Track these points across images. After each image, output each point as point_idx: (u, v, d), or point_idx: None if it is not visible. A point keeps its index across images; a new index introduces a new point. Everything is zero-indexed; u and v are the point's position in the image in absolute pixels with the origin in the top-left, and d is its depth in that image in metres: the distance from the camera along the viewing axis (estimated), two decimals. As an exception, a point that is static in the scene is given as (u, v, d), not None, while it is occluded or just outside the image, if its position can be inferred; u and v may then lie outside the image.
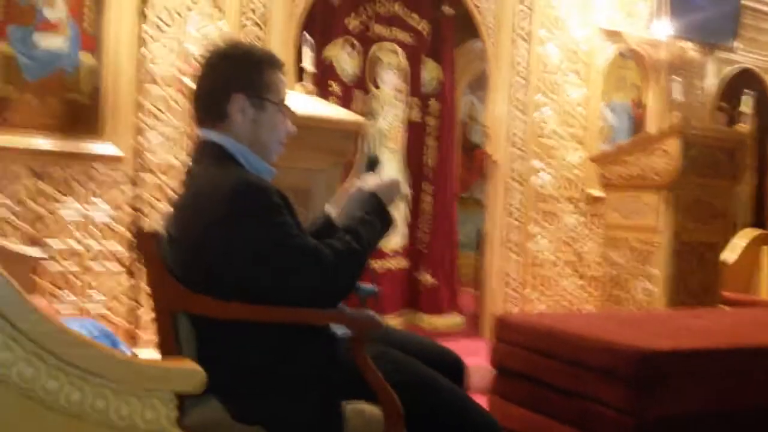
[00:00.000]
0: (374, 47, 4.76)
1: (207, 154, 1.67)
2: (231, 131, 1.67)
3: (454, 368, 1.92)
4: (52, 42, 3.59)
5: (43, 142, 3.55)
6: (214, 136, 1.67)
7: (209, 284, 1.56)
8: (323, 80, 4.50)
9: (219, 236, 1.53)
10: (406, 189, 1.85)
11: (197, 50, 3.79)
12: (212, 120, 1.68)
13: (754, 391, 2.07)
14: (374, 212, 1.70)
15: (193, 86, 1.74)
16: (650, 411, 1.87)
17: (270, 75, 1.71)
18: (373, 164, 1.93)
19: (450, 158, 5.18)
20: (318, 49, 4.42)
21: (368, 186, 1.78)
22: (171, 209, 1.73)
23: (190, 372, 1.20)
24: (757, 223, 6.77)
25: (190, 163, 1.74)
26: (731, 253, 4.76)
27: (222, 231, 1.53)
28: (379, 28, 4.78)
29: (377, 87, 4.77)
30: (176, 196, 1.77)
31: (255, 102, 1.67)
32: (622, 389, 1.88)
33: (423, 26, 4.99)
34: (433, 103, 5.12)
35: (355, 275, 1.62)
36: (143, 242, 1.61)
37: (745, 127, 4.17)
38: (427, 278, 5.04)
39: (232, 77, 1.67)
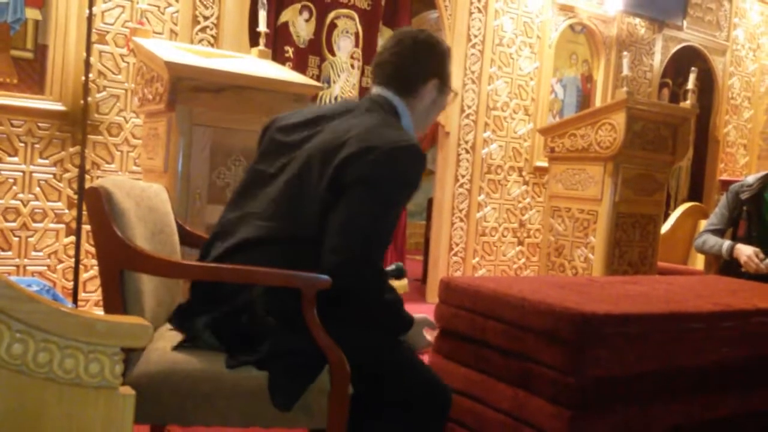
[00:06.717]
0: (331, 13, 4.71)
1: (381, 108, 1.77)
2: (410, 103, 1.82)
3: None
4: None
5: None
6: (395, 100, 1.80)
7: (305, 219, 1.59)
8: (278, 45, 4.44)
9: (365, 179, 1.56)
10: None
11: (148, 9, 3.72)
12: (399, 89, 1.81)
13: (686, 353, 2.16)
14: (398, 324, 1.71)
15: (378, 53, 1.88)
16: (589, 371, 1.93)
17: (450, 65, 1.92)
18: (399, 275, 1.97)
19: (402, 127, 5.18)
20: (274, 14, 4.36)
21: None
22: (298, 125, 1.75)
23: (138, 327, 1.20)
24: (694, 197, 7.04)
25: (353, 104, 1.81)
26: (666, 224, 4.93)
27: (374, 176, 1.57)
28: (335, -6, 4.72)
29: (333, 53, 4.73)
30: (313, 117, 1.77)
31: (442, 89, 1.87)
32: (563, 350, 1.94)
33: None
34: (388, 72, 5.10)
35: (362, 293, 1.60)
36: (91, 198, 1.59)
37: (689, 104, 4.28)
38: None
39: (433, 65, 1.85)
